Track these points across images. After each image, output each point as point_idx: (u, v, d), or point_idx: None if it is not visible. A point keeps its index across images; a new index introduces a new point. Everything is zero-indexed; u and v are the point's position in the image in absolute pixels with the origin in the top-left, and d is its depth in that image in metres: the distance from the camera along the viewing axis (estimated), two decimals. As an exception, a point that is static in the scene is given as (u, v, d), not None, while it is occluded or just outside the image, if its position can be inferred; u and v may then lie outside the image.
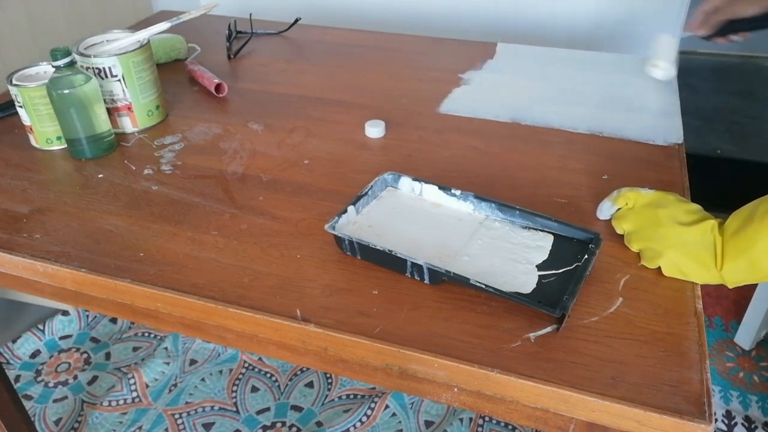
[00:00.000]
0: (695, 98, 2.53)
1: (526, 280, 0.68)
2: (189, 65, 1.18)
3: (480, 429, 1.39)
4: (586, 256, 0.69)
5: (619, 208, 0.74)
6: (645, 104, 1.06)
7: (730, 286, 0.66)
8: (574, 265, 0.70)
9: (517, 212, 0.76)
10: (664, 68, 1.05)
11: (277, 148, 0.95)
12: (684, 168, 0.89)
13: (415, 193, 0.81)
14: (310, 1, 1.85)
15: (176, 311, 0.70)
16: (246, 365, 1.55)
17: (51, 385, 1.50)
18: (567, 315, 0.62)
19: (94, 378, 1.52)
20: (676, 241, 0.67)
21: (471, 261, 0.71)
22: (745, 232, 0.63)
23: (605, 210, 0.76)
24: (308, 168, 0.90)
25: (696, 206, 0.70)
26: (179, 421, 1.41)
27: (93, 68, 0.94)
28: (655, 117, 1.02)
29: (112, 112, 0.97)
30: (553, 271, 0.69)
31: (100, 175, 0.89)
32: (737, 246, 0.64)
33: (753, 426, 1.40)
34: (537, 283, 0.68)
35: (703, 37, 1.00)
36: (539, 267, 0.70)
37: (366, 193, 0.79)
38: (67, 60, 0.87)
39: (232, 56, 1.26)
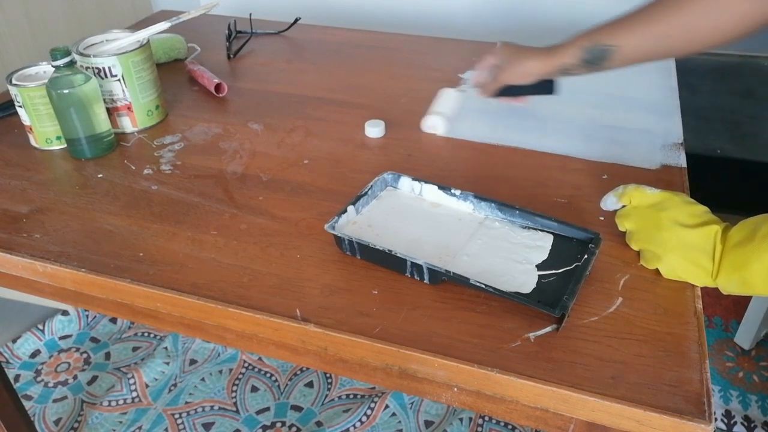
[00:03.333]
0: (695, 98, 2.53)
1: (525, 280, 0.68)
2: (189, 65, 1.18)
3: (480, 429, 1.39)
4: (585, 256, 0.69)
5: (624, 205, 0.74)
6: (645, 104, 1.06)
7: (724, 294, 0.66)
8: (573, 265, 0.70)
9: (517, 212, 0.76)
10: (434, 123, 0.96)
11: (276, 147, 0.95)
12: (683, 168, 0.89)
13: (414, 193, 0.81)
14: (310, 1, 1.85)
15: (176, 311, 0.70)
16: (246, 365, 1.55)
17: (51, 385, 1.50)
18: (567, 315, 0.62)
19: (94, 378, 1.52)
20: (675, 245, 0.67)
21: (471, 261, 0.71)
22: (743, 249, 0.62)
23: (609, 204, 0.75)
24: (308, 168, 0.90)
25: (702, 208, 0.70)
26: (179, 421, 1.41)
27: (93, 68, 0.94)
28: (655, 116, 1.02)
29: (111, 111, 0.97)
30: (553, 271, 0.69)
31: (100, 175, 0.89)
32: (733, 261, 0.63)
33: (752, 425, 1.40)
34: (537, 283, 0.68)
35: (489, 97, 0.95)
36: (539, 267, 0.70)
37: (366, 193, 0.79)
38: (66, 60, 0.87)
39: (231, 56, 1.26)
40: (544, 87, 0.89)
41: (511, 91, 0.91)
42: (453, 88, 1.02)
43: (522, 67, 0.87)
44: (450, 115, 0.98)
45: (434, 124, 0.97)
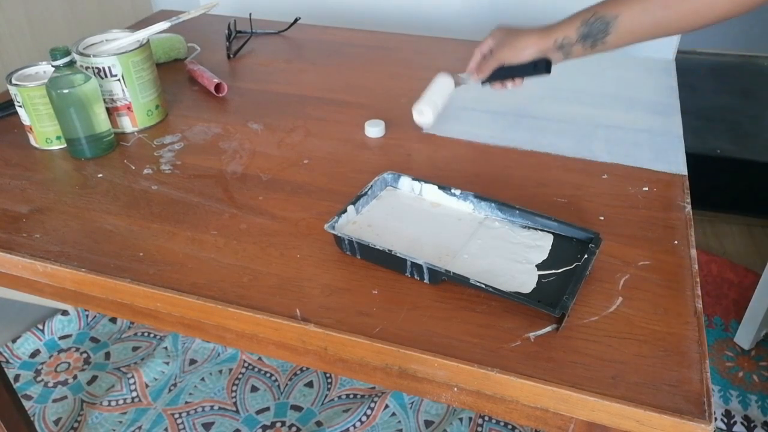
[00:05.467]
0: (695, 98, 2.53)
1: (525, 280, 0.68)
2: (188, 65, 1.18)
3: (480, 428, 1.39)
4: (585, 256, 0.69)
5: None
6: (645, 104, 1.06)
7: None
8: (573, 265, 0.70)
9: (517, 212, 0.76)
10: (422, 109, 0.93)
11: (276, 147, 0.95)
12: (683, 167, 0.89)
13: (414, 193, 0.81)
14: (310, 1, 1.85)
15: (176, 311, 0.70)
16: (246, 365, 1.55)
17: (50, 384, 1.50)
18: (567, 314, 0.62)
19: (94, 378, 1.52)
20: None
21: (471, 260, 0.71)
22: None
23: None
24: (308, 168, 0.90)
25: None
26: (179, 421, 1.41)
27: (92, 68, 0.94)
28: (655, 116, 1.02)
29: (111, 111, 0.97)
30: (553, 271, 0.69)
31: (100, 175, 0.89)
32: None
33: (752, 425, 1.40)
34: (537, 283, 0.68)
35: (483, 82, 0.93)
36: (539, 266, 0.70)
37: (366, 193, 0.79)
38: (66, 59, 0.87)
39: (231, 56, 1.26)
40: (539, 67, 0.86)
41: (506, 73, 0.89)
42: (449, 75, 0.98)
43: (518, 44, 0.85)
44: (440, 105, 0.95)
45: (422, 110, 0.94)
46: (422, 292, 0.68)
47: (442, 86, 0.98)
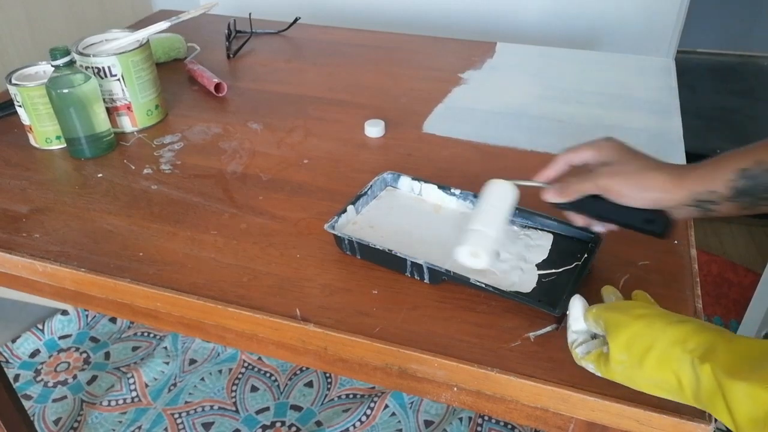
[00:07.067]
0: (695, 98, 2.54)
1: (525, 280, 0.68)
2: (188, 64, 1.18)
3: (479, 428, 1.39)
4: (585, 255, 0.69)
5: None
6: (645, 104, 1.06)
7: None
8: (573, 264, 0.69)
9: (517, 211, 0.76)
10: (483, 258, 0.64)
11: (276, 147, 0.95)
12: (684, 167, 0.89)
13: (414, 193, 0.81)
14: (310, 0, 1.85)
15: (176, 311, 0.70)
16: (245, 365, 1.55)
17: (50, 384, 1.50)
18: (567, 314, 0.62)
19: (94, 378, 1.52)
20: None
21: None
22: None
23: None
24: (308, 167, 0.90)
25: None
26: (179, 421, 1.41)
27: (92, 68, 0.94)
28: (655, 116, 1.02)
29: (111, 111, 0.97)
30: (553, 270, 0.69)
31: (100, 175, 0.89)
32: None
33: (753, 426, 1.40)
34: (537, 283, 0.68)
35: (561, 206, 0.66)
36: (539, 266, 0.70)
37: (365, 193, 0.79)
38: (66, 59, 0.86)
39: (231, 55, 1.26)
40: (655, 225, 0.61)
41: (599, 210, 0.64)
42: (504, 180, 0.69)
43: (641, 179, 0.60)
44: (495, 235, 0.65)
45: (474, 252, 0.64)
46: (422, 292, 0.68)
47: (500, 207, 0.68)
